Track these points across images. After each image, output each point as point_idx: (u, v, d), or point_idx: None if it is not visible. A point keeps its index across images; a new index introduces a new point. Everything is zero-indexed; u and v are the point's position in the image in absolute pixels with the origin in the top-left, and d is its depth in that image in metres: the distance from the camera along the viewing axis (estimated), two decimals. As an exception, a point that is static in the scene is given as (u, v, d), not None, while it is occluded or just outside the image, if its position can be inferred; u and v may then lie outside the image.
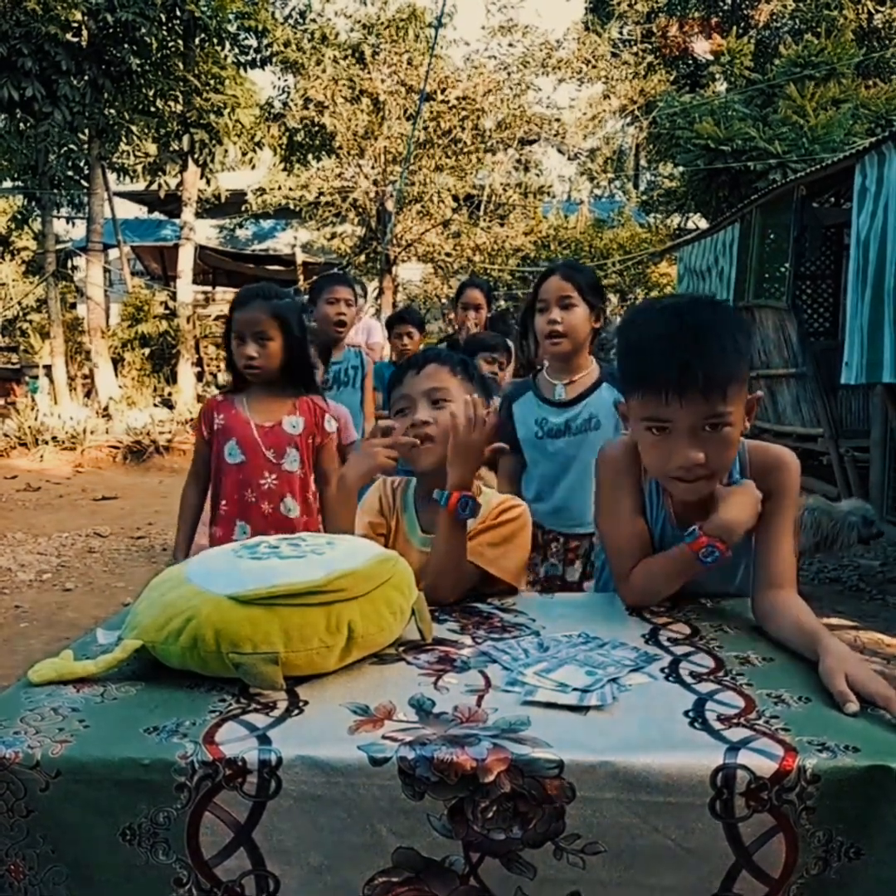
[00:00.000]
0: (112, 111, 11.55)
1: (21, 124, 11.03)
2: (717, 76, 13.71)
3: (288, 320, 2.20)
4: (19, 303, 16.72)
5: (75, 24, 10.43)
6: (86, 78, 10.94)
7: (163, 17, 11.31)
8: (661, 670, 1.05)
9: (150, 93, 11.69)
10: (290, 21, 15.39)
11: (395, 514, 1.54)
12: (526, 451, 2.25)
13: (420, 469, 1.48)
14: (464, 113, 14.24)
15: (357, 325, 5.28)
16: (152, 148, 13.23)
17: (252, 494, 2.22)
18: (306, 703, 0.96)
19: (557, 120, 16.10)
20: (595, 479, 1.39)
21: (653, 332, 1.19)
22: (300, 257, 16.63)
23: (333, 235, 15.72)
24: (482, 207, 15.12)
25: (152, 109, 11.93)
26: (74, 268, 16.98)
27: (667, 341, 1.15)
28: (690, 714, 0.92)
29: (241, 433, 2.23)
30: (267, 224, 18.60)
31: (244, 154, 15.06)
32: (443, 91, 14.14)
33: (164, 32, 11.56)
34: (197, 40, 12.01)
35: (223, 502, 2.25)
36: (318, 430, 2.29)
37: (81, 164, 12.09)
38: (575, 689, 0.97)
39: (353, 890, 0.84)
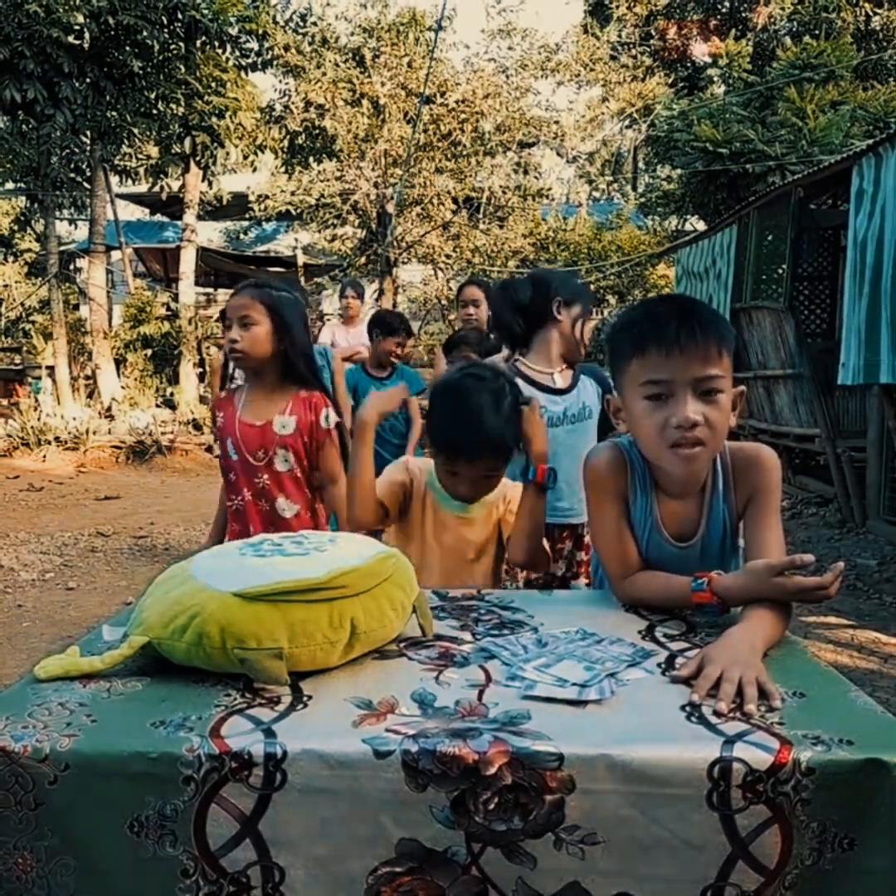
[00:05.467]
0: (114, 113, 11.53)
1: (23, 126, 11.01)
2: (716, 79, 13.71)
3: (276, 307, 2.11)
4: (22, 304, 16.74)
5: (77, 27, 10.42)
6: (88, 80, 10.94)
7: (164, 20, 11.30)
8: (658, 665, 1.07)
9: (152, 95, 11.67)
10: (291, 25, 15.40)
11: (422, 488, 1.72)
12: None
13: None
14: (463, 116, 14.27)
15: (348, 328, 5.09)
16: (154, 150, 13.22)
17: (248, 492, 2.20)
18: (310, 697, 0.98)
19: (556, 123, 16.15)
20: (583, 487, 1.42)
21: (648, 307, 1.33)
22: (301, 259, 16.66)
23: (334, 237, 15.75)
24: (482, 210, 15.15)
25: (154, 112, 11.92)
26: (77, 269, 17.02)
27: (663, 309, 1.28)
28: (687, 708, 0.94)
29: (231, 432, 2.20)
30: (268, 226, 18.63)
31: (245, 157, 15.06)
32: (442, 94, 14.18)
33: (166, 35, 11.55)
34: (198, 43, 12.00)
35: (233, 498, 2.23)
36: (314, 429, 2.17)
37: (83, 166, 12.09)
38: (574, 684, 0.98)
39: (357, 880, 0.86)
